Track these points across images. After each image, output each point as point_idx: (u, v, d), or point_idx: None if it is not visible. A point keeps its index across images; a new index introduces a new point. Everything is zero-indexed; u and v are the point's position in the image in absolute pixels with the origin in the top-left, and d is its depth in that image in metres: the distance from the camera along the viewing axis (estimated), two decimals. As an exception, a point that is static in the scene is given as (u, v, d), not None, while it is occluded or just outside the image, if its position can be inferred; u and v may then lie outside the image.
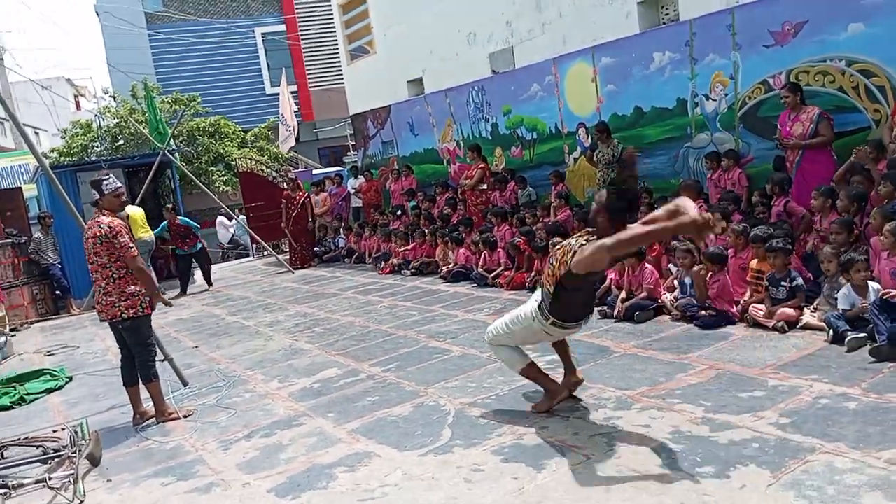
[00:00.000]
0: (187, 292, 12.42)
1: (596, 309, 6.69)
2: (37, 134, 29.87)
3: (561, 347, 4.71)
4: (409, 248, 11.11)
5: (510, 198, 11.16)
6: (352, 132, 18.32)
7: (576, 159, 10.68)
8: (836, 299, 5.06)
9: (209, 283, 12.77)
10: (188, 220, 12.77)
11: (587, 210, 9.21)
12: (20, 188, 14.50)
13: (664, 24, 9.50)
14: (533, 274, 8.36)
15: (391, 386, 5.48)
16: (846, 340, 4.71)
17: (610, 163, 9.57)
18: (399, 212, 12.96)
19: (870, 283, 4.99)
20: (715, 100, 8.59)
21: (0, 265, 11.55)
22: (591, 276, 4.28)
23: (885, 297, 4.70)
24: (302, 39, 24.99)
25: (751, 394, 4.29)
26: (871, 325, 4.64)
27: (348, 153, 22.49)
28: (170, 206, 13.09)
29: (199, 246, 12.50)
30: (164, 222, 12.60)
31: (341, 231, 14.10)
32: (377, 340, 6.93)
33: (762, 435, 3.74)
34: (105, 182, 5.37)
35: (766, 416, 3.95)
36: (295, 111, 16.10)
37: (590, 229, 4.23)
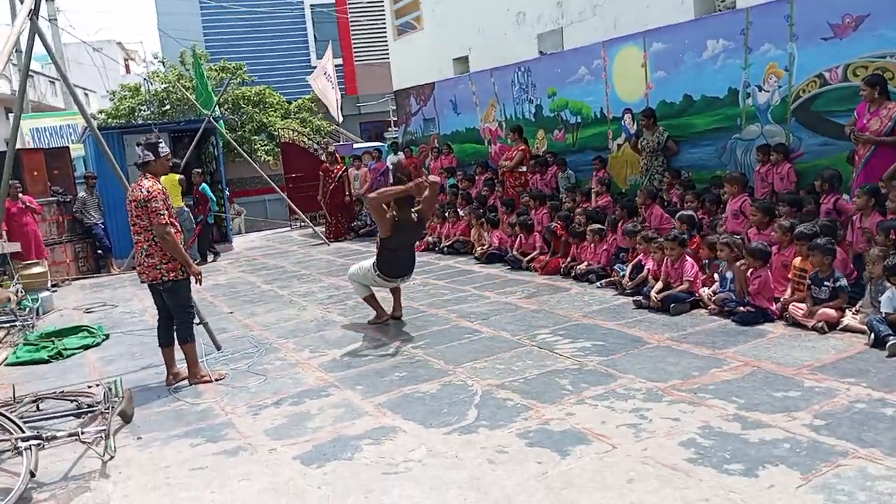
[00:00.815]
0: (217, 258, 12.61)
1: (631, 299, 6.67)
2: (86, 95, 30.45)
3: (395, 291, 6.88)
4: (445, 226, 11.09)
5: (550, 181, 11.05)
6: (394, 108, 18.29)
7: (619, 146, 10.50)
8: (881, 302, 4.90)
9: (202, 255, 12.66)
10: (208, 190, 12.81)
11: (629, 198, 9.15)
12: (68, 147, 14.78)
13: (720, 10, 9.23)
14: (569, 259, 8.28)
15: (420, 363, 5.49)
16: (888, 345, 4.57)
17: (654, 150, 9.41)
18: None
19: (918, 288, 4.84)
20: (768, 91, 8.34)
21: (45, 222, 11.83)
22: (400, 238, 6.47)
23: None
24: (350, 12, 24.97)
25: (785, 393, 4.20)
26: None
27: (389, 129, 22.47)
28: (199, 170, 13.14)
29: (201, 217, 12.50)
30: (203, 186, 12.72)
31: (379, 206, 14.11)
32: (408, 317, 6.95)
33: (794, 436, 3.66)
34: (161, 145, 5.44)
35: (799, 417, 3.86)
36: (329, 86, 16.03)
37: None
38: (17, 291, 8.68)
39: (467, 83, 13.76)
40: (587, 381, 4.74)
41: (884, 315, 4.82)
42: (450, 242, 10.60)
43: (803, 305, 5.37)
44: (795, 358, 4.77)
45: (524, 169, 11.33)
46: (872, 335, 4.79)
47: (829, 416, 3.85)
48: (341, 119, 16.38)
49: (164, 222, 5.23)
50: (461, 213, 10.98)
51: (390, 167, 15.04)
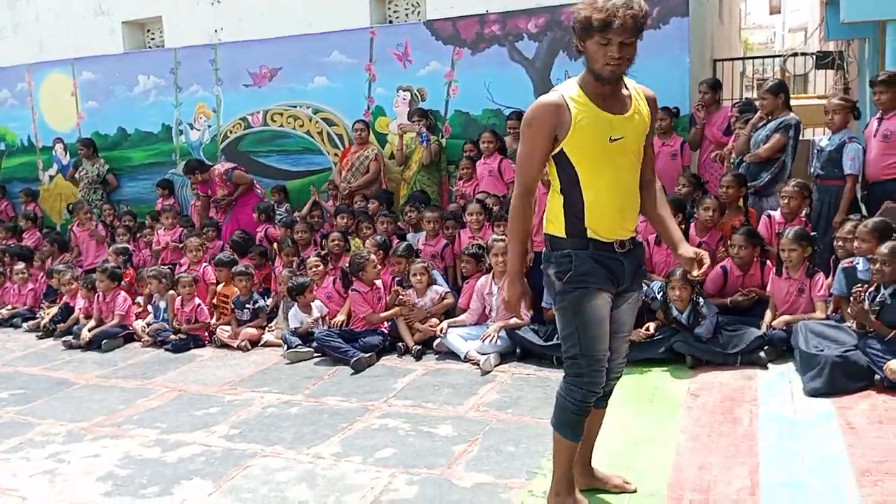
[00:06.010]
0: None
1: (60, 340, 6.22)
2: None
3: None
4: None
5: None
6: None
7: (52, 177, 9.78)
8: (289, 318, 5.65)
9: None
10: None
11: (59, 233, 8.50)
12: None
13: (149, 47, 9.39)
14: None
15: None
16: (288, 352, 5.26)
17: (93, 182, 9.00)
18: None
19: (314, 303, 5.71)
20: (199, 129, 8.81)
21: None
22: None
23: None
24: None
25: (206, 411, 4.46)
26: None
27: None
28: None
29: None
30: None
31: None
32: None
33: (211, 448, 3.91)
34: None
35: (217, 430, 4.15)
36: None
37: None
38: None
39: None
40: (1, 435, 4.25)
41: (293, 329, 5.53)
42: None
43: (229, 328, 5.80)
44: (219, 377, 5.11)
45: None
46: (286, 347, 5.44)
47: (244, 424, 4.23)
48: None
49: None
50: None
51: None
